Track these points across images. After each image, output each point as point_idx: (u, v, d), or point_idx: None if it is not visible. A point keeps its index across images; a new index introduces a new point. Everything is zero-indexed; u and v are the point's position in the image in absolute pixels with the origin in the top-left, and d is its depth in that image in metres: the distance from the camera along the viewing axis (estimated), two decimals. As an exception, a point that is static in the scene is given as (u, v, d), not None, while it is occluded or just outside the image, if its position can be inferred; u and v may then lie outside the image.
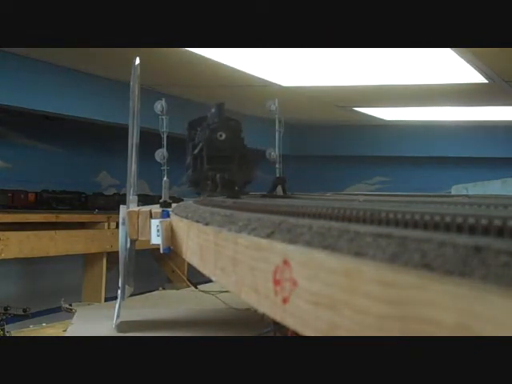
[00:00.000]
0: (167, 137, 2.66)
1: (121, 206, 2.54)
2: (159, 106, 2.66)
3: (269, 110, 2.88)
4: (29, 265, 5.66)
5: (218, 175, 2.14)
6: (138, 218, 2.41)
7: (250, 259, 1.08)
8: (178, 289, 4.33)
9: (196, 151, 2.16)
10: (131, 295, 2.76)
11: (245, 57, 4.47)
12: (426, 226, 0.80)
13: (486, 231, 0.71)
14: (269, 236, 1.05)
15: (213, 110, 2.25)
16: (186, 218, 1.89)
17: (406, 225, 0.84)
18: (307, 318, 0.82)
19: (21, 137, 5.95)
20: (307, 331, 0.82)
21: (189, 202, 2.37)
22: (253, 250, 1.07)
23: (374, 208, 0.95)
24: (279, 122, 2.90)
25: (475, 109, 6.73)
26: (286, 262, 0.90)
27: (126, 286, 2.52)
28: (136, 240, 2.50)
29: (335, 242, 0.84)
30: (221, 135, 2.15)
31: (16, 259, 5.00)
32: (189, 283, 5.87)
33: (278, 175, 2.86)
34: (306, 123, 8.04)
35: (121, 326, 2.45)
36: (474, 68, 4.66)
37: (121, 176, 5.17)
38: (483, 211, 0.99)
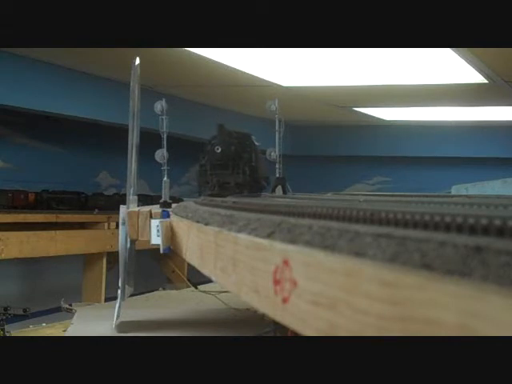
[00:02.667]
0: (167, 137, 2.67)
1: (121, 206, 2.54)
2: (159, 106, 2.66)
3: (269, 110, 2.88)
4: (29, 265, 5.66)
5: (215, 179, 2.73)
6: (138, 218, 2.41)
7: (250, 259, 1.08)
8: (178, 289, 4.33)
9: (203, 161, 2.79)
10: (131, 295, 2.76)
11: (245, 57, 4.46)
12: (426, 226, 0.80)
13: (485, 231, 0.71)
14: (269, 236, 1.05)
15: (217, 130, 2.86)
16: (186, 218, 1.90)
17: (405, 225, 0.84)
18: (307, 318, 0.82)
19: (21, 137, 5.95)
20: (307, 331, 0.82)
21: (189, 202, 2.38)
22: (253, 250, 1.07)
23: (374, 208, 0.95)
24: (279, 122, 2.90)
25: (475, 109, 6.73)
26: (285, 262, 0.90)
27: (126, 286, 2.52)
28: (136, 240, 2.50)
29: (335, 242, 0.84)
30: (217, 149, 2.73)
31: (16, 259, 4.99)
32: (189, 283, 5.87)
33: (277, 175, 2.86)
34: (306, 123, 8.04)
35: (121, 326, 2.45)
36: (474, 68, 4.66)
37: (121, 176, 5.17)
38: (483, 211, 0.99)
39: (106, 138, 6.26)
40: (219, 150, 2.72)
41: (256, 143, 2.83)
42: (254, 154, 2.78)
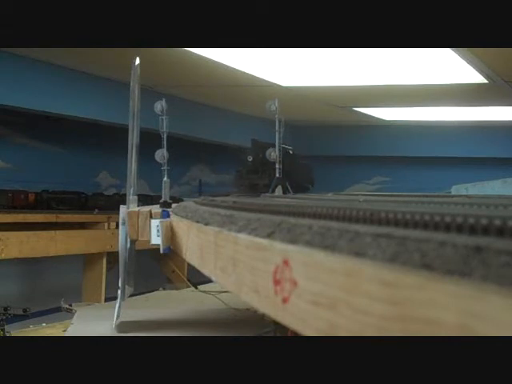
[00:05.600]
0: (167, 137, 2.67)
1: (121, 206, 2.54)
2: (159, 106, 2.66)
3: (269, 110, 2.89)
4: (29, 265, 5.65)
5: (247, 181, 3.35)
6: (138, 218, 2.41)
7: (250, 259, 1.08)
8: (178, 289, 4.32)
9: (239, 168, 3.46)
10: (131, 295, 2.76)
11: (245, 57, 4.46)
12: (426, 226, 0.80)
13: (486, 231, 0.71)
14: (269, 236, 1.05)
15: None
16: (186, 218, 1.90)
17: (406, 225, 0.84)
18: (307, 318, 0.82)
19: (21, 137, 5.94)
20: (307, 331, 0.82)
21: (189, 202, 2.37)
22: (253, 250, 1.07)
23: (374, 208, 0.95)
24: (279, 122, 2.90)
25: (475, 109, 6.73)
26: (285, 262, 0.90)
27: (126, 286, 2.52)
28: (136, 240, 2.50)
29: (335, 242, 0.84)
30: (249, 158, 3.39)
31: (16, 259, 4.99)
32: (189, 283, 5.86)
33: (277, 175, 2.87)
34: (306, 123, 8.04)
35: (121, 326, 2.45)
36: (474, 68, 4.66)
37: (121, 176, 5.16)
38: (483, 211, 0.99)
39: (106, 138, 6.26)
40: (250, 158, 3.39)
41: (290, 152, 3.53)
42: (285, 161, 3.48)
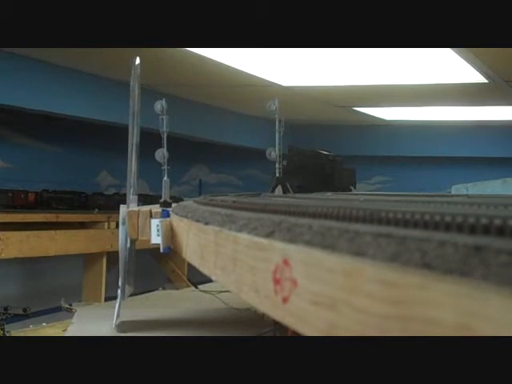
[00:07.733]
0: (167, 137, 2.67)
1: (121, 206, 2.54)
2: (159, 105, 2.66)
3: (269, 110, 2.89)
4: (29, 265, 5.66)
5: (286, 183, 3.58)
6: (138, 217, 2.41)
7: (250, 259, 1.08)
8: (178, 289, 4.33)
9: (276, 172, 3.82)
10: (131, 295, 2.76)
11: (245, 57, 4.46)
12: (426, 226, 0.80)
13: (486, 231, 0.71)
14: (269, 235, 1.05)
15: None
16: (186, 217, 1.90)
17: (406, 224, 0.84)
18: (307, 318, 0.82)
19: (21, 137, 5.95)
20: (307, 331, 0.82)
21: (189, 202, 2.37)
22: (253, 250, 1.07)
23: (374, 207, 0.95)
24: (279, 121, 2.90)
25: (475, 109, 6.73)
26: (285, 262, 0.90)
27: (126, 286, 2.52)
28: (136, 240, 2.50)
29: (335, 242, 0.84)
30: (284, 162, 3.57)
31: (16, 259, 4.99)
32: (189, 283, 5.86)
33: (277, 175, 2.87)
34: (306, 123, 8.03)
35: (121, 326, 2.45)
36: (474, 68, 4.66)
37: (121, 176, 5.16)
38: (483, 211, 0.98)
39: (106, 138, 6.26)
40: (285, 162, 3.66)
41: (330, 158, 3.96)
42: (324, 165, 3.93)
